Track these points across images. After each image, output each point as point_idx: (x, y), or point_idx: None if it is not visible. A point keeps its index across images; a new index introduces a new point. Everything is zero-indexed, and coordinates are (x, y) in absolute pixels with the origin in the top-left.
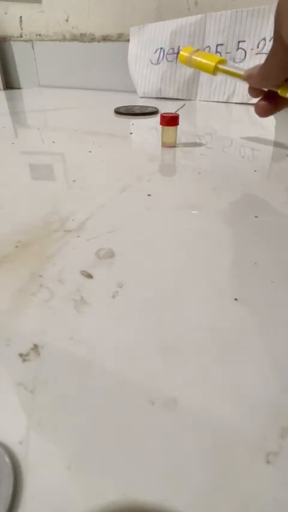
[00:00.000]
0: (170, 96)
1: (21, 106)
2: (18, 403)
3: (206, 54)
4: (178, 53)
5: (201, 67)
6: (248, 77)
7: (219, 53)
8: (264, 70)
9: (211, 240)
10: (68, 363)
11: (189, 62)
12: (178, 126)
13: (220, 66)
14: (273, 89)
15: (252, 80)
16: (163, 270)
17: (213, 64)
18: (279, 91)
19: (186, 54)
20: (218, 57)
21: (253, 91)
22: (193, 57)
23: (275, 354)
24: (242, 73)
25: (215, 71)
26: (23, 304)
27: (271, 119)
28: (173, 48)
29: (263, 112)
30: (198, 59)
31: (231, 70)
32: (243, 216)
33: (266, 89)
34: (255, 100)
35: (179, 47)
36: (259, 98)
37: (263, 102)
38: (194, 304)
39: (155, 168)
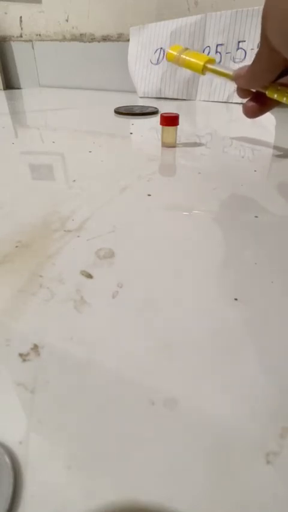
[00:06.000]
0: (170, 96)
1: (21, 106)
2: (18, 403)
3: (194, 54)
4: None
5: (189, 66)
6: (236, 77)
7: (219, 53)
8: (251, 72)
9: (211, 240)
10: (68, 363)
11: (177, 61)
12: (178, 126)
13: (209, 65)
14: (261, 90)
15: (240, 81)
16: (163, 270)
17: (201, 63)
18: (267, 92)
19: (174, 52)
20: (206, 56)
21: (241, 92)
22: (182, 56)
23: (275, 354)
24: (230, 73)
25: (203, 70)
26: (23, 304)
27: (271, 119)
28: None
29: (251, 113)
30: (187, 58)
31: (220, 69)
32: (243, 216)
33: (254, 90)
34: None
35: None
36: (247, 98)
37: (251, 103)
38: (194, 304)
39: (155, 168)
